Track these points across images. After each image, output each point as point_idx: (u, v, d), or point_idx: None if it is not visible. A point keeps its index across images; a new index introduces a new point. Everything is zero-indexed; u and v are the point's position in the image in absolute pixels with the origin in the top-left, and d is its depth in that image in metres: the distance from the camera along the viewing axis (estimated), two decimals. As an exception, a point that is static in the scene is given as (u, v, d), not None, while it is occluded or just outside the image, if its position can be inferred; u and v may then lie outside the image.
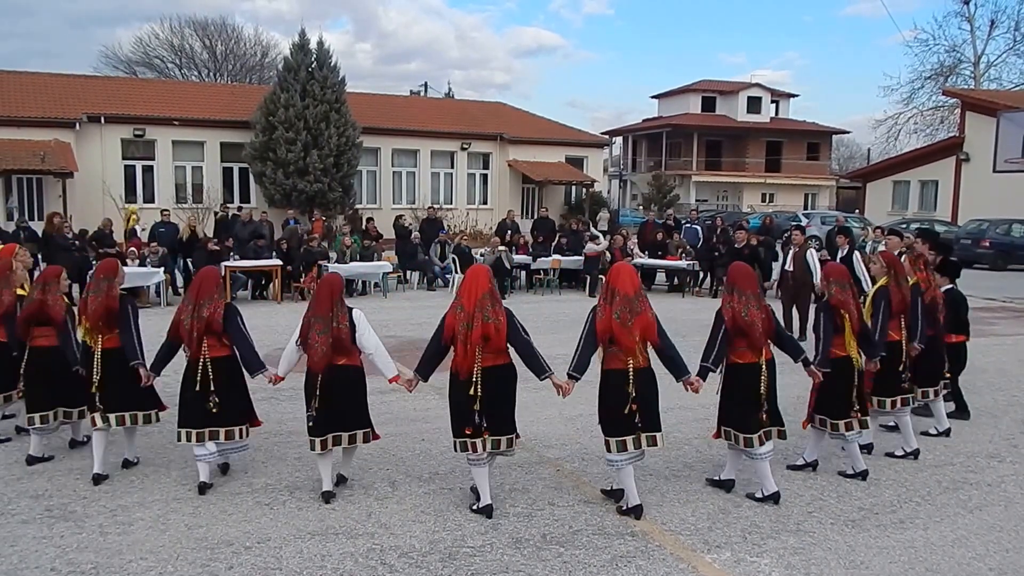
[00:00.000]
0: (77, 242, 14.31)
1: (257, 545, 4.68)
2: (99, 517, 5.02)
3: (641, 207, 38.59)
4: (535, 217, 24.15)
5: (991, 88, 39.19)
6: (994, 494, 5.72)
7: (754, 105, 48.60)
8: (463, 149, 29.99)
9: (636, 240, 17.85)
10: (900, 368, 6.29)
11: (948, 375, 7.10)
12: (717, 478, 5.72)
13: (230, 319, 5.38)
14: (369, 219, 19.61)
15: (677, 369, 5.14)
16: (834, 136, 53.19)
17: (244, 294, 15.00)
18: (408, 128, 29.04)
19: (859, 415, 5.76)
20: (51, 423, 5.94)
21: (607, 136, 44.50)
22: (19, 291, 6.40)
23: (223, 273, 14.14)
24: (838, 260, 10.58)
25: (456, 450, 5.14)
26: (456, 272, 16.64)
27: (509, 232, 18.33)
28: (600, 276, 16.35)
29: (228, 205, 20.67)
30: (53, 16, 72.70)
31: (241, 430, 5.51)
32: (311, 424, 5.23)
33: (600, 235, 18.49)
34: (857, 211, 36.19)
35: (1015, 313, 15.10)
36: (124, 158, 24.95)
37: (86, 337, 5.70)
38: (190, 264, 14.60)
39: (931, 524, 5.16)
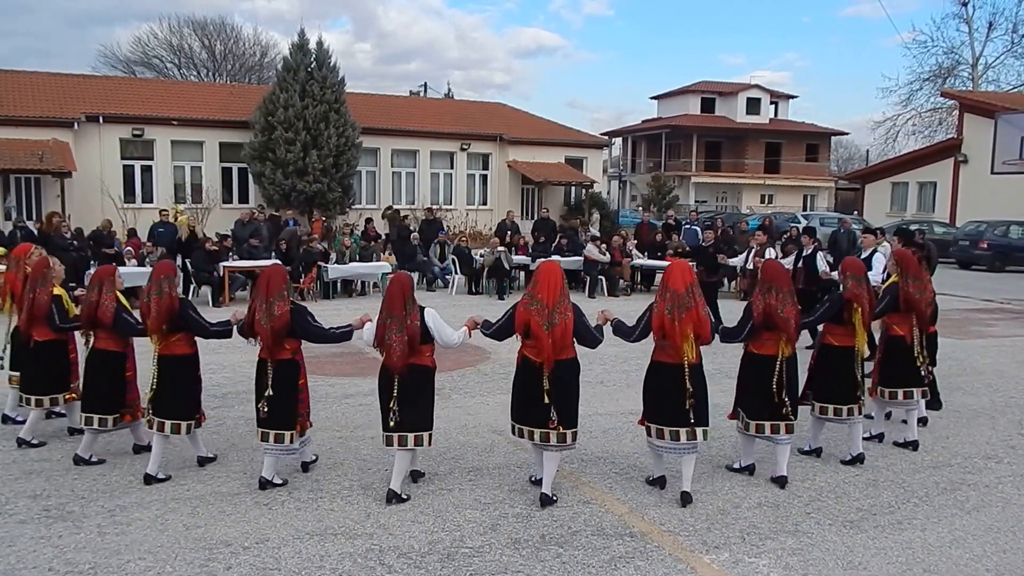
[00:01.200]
0: (76, 242, 14.30)
1: (256, 545, 4.68)
2: (97, 517, 5.02)
3: (640, 208, 38.61)
4: (535, 218, 24.18)
5: (989, 90, 39.25)
6: (991, 495, 5.73)
7: (753, 106, 48.63)
8: (463, 150, 29.99)
9: (635, 241, 17.86)
10: (914, 362, 6.58)
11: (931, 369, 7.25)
12: (737, 465, 6.07)
13: (297, 319, 5.44)
14: (368, 220, 19.62)
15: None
16: (833, 137, 53.25)
17: (243, 294, 15.00)
18: (408, 128, 29.03)
19: (862, 402, 6.21)
20: (109, 425, 5.90)
21: (607, 137, 44.51)
22: (57, 290, 6.39)
23: (222, 273, 14.19)
24: (802, 259, 10.84)
25: (514, 434, 5.44)
26: (456, 273, 16.65)
27: (509, 233, 18.33)
28: (600, 277, 16.40)
29: (280, 212, 20.56)
30: (51, 15, 72.74)
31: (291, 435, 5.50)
32: (392, 423, 5.28)
33: (598, 235, 18.50)
34: (856, 212, 36.20)
35: (1013, 314, 15.12)
36: (123, 158, 24.92)
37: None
38: (188, 264, 14.60)
39: (929, 525, 5.17)
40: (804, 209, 44.95)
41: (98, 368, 5.82)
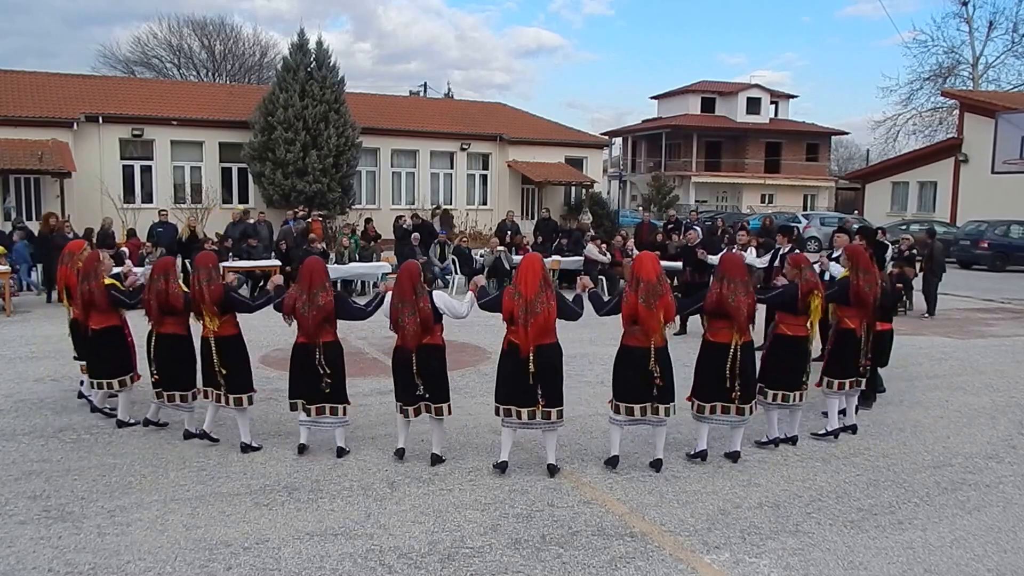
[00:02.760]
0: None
1: (256, 546, 4.67)
2: (97, 518, 5.01)
3: (640, 208, 38.59)
4: (535, 218, 24.18)
5: (989, 89, 39.22)
6: (992, 495, 5.72)
7: (753, 106, 48.64)
8: (462, 150, 29.98)
9: (634, 241, 17.85)
10: (860, 355, 6.82)
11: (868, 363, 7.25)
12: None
13: (340, 305, 6.08)
14: (368, 220, 19.62)
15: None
16: (833, 137, 53.24)
17: (242, 293, 15.01)
18: (407, 128, 29.01)
19: (805, 387, 6.51)
20: (189, 402, 6.49)
21: (607, 137, 44.48)
22: (108, 280, 6.91)
23: (221, 273, 14.17)
24: (778, 257, 10.54)
25: (498, 415, 5.82)
26: (456, 273, 16.65)
27: (509, 233, 18.32)
28: (600, 277, 16.40)
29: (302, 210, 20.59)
30: (50, 14, 72.74)
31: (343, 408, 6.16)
32: (417, 394, 5.87)
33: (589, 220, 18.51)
34: (856, 212, 36.22)
35: (1013, 314, 15.11)
36: (122, 158, 24.89)
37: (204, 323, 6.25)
38: (188, 265, 14.59)
39: (929, 525, 5.16)
40: (804, 209, 44.98)
41: (170, 351, 6.41)
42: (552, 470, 5.82)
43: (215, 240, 15.26)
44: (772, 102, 50.11)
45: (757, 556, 4.67)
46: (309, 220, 18.80)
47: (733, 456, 6.19)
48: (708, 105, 49.54)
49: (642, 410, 5.81)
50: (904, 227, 24.50)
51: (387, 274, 15.99)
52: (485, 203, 30.56)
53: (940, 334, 12.28)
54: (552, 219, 21.62)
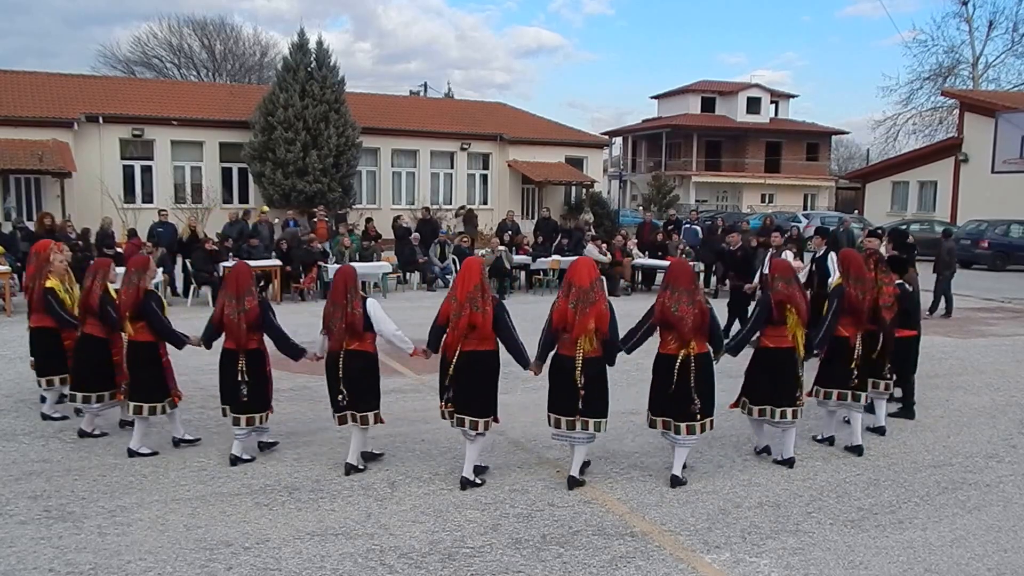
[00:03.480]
0: (80, 242, 14.29)
1: (256, 546, 4.67)
2: (97, 518, 5.01)
3: (641, 207, 38.57)
4: (535, 218, 24.16)
5: (989, 89, 39.24)
6: (992, 494, 5.73)
7: (753, 106, 48.67)
8: (463, 149, 29.98)
9: (636, 240, 17.87)
10: (851, 364, 6.41)
11: (890, 374, 6.92)
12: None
13: (264, 315, 5.94)
14: (368, 219, 19.62)
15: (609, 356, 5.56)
16: (833, 137, 53.28)
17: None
18: (408, 128, 29.02)
19: (799, 403, 6.01)
20: (92, 403, 6.40)
21: (607, 136, 44.48)
22: (49, 282, 6.86)
23: (221, 273, 14.17)
24: (813, 260, 10.33)
25: (443, 417, 5.70)
26: (456, 272, 16.65)
27: (509, 232, 18.33)
28: (601, 277, 16.40)
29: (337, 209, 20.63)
30: (50, 14, 72.78)
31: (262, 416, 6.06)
32: (342, 403, 5.74)
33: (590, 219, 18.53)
34: (856, 211, 36.21)
35: (1013, 313, 15.11)
36: (123, 158, 24.93)
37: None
38: (189, 264, 14.59)
39: (930, 524, 5.17)
40: (804, 208, 45.00)
41: (86, 351, 6.36)
42: (464, 483, 5.57)
43: (215, 241, 15.23)
44: (772, 102, 50.14)
45: (757, 555, 4.67)
46: (315, 220, 18.80)
47: (672, 480, 5.69)
48: (708, 105, 49.57)
49: (568, 424, 5.48)
50: (904, 227, 24.45)
51: (387, 274, 16.02)
52: (486, 203, 30.57)
53: (940, 333, 12.28)
54: (552, 219, 21.63)
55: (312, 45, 25.60)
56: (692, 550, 4.73)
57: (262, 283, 15.11)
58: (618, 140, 54.41)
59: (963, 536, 4.99)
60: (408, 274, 17.33)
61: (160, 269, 13.98)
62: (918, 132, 43.82)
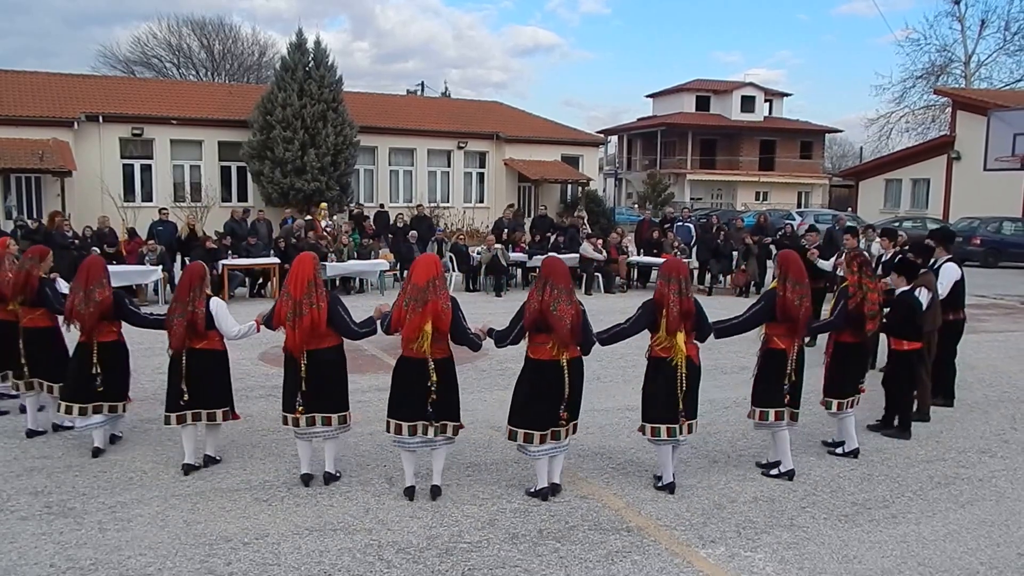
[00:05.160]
0: (76, 240, 14.33)
1: (255, 541, 4.71)
2: (98, 514, 5.05)
3: (636, 205, 38.62)
4: (531, 215, 24.18)
5: (982, 87, 39.26)
6: (985, 489, 5.78)
7: (748, 104, 48.74)
8: (460, 148, 30.01)
9: (633, 238, 17.94)
10: (784, 380, 5.70)
11: (862, 388, 6.34)
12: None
13: (120, 305, 6.01)
14: (365, 217, 19.64)
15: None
16: (827, 135, 53.41)
17: (242, 291, 15.07)
18: (405, 127, 29.05)
19: (685, 420, 5.42)
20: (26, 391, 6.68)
21: (602, 135, 44.55)
22: None
23: (221, 271, 14.21)
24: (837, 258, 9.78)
25: (286, 424, 5.55)
26: (453, 271, 16.68)
27: (506, 230, 18.36)
28: (596, 275, 16.48)
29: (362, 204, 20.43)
30: (50, 14, 72.67)
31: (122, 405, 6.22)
32: (171, 402, 5.68)
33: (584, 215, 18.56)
34: (850, 209, 36.31)
35: (1006, 310, 15.18)
36: (122, 157, 24.94)
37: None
38: (188, 263, 14.60)
39: (923, 519, 5.21)
40: (799, 206, 45.04)
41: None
42: (327, 478, 5.56)
43: (215, 238, 15.27)
44: (766, 100, 50.24)
45: (752, 550, 4.71)
46: (309, 217, 18.79)
47: (546, 490, 5.36)
48: (703, 103, 49.65)
49: (411, 429, 5.22)
50: (897, 224, 24.52)
51: (384, 272, 16.04)
52: (482, 201, 30.61)
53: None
54: (548, 216, 21.66)
55: (310, 45, 25.64)
56: (687, 545, 4.77)
57: (260, 280, 15.15)
58: (613, 138, 54.40)
59: (956, 530, 5.04)
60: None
61: (159, 266, 14.03)
62: (911, 130, 43.94)
